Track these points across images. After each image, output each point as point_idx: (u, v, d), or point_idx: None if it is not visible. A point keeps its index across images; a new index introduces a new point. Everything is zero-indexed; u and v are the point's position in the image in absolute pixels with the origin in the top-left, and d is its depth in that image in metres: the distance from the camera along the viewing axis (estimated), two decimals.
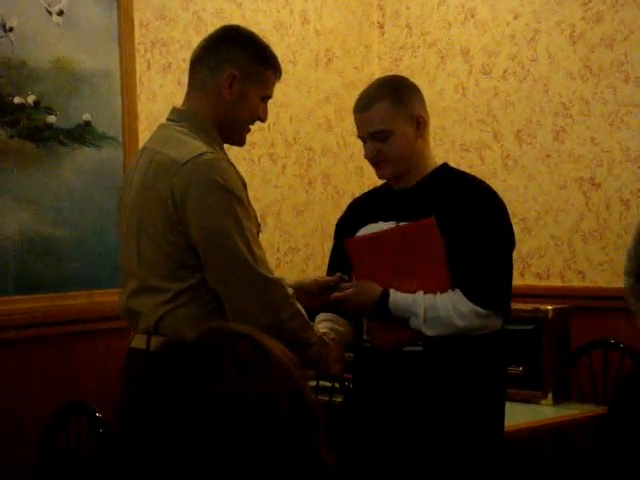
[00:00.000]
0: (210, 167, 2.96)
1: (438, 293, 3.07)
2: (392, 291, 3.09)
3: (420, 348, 3.13)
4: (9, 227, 4.39)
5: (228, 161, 3.03)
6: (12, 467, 3.93)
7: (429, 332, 3.06)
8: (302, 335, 2.99)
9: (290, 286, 3.12)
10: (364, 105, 3.20)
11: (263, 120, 3.16)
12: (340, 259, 3.31)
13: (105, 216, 4.56)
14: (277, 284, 2.98)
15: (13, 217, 4.40)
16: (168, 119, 3.19)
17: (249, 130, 3.17)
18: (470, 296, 3.07)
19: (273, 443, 1.29)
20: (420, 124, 3.16)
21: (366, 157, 3.23)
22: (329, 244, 3.54)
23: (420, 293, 3.07)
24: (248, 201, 3.04)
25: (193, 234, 2.93)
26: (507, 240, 3.19)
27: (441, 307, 3.05)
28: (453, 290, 3.07)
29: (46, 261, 4.48)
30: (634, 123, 4.92)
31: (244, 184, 3.04)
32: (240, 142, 3.22)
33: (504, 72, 5.35)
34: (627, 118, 4.95)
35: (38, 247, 4.47)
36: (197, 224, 2.94)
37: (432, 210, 3.13)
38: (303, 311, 3.02)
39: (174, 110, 3.18)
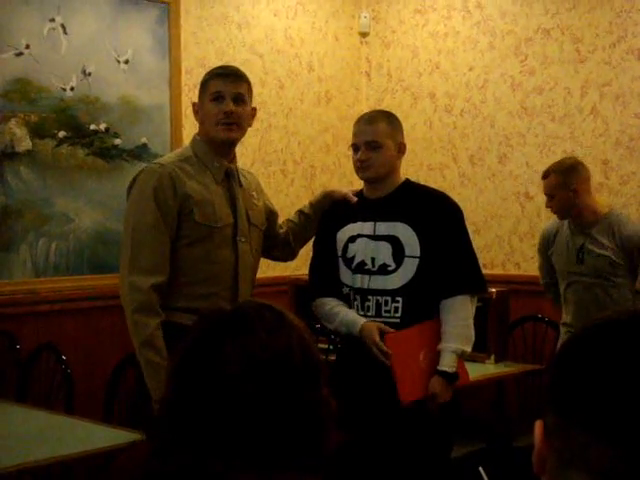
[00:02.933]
0: (139, 174, 2.91)
1: (444, 333, 3.05)
2: (443, 367, 3.04)
3: (398, 320, 3.07)
4: (84, 223, 4.43)
5: (166, 171, 2.86)
6: (86, 401, 3.97)
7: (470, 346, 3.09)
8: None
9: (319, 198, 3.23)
10: (368, 120, 3.16)
11: (227, 111, 2.92)
12: (324, 245, 3.28)
13: None
14: (133, 287, 2.82)
15: (88, 216, 4.44)
16: None
17: (224, 128, 2.94)
18: (463, 288, 3.07)
19: (291, 386, 1.29)
20: (401, 149, 3.17)
21: (357, 160, 3.14)
22: None
23: (446, 345, 3.04)
24: (179, 203, 2.86)
25: None
26: (468, 236, 3.18)
27: (459, 331, 3.05)
28: (439, 316, 3.07)
29: (111, 249, 4.49)
30: (558, 151, 4.91)
31: (179, 190, 2.86)
32: (224, 141, 2.97)
33: (461, 111, 5.34)
34: (553, 147, 4.95)
35: (105, 238, 4.50)
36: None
37: (400, 214, 3.11)
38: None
39: None
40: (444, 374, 3.04)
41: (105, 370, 4.03)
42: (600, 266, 3.79)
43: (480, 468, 1.98)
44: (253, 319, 1.33)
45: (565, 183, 3.81)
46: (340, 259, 3.21)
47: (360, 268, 3.15)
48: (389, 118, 3.20)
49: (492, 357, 4.47)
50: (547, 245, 4.07)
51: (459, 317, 3.06)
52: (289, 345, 1.32)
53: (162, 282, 2.85)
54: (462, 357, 3.09)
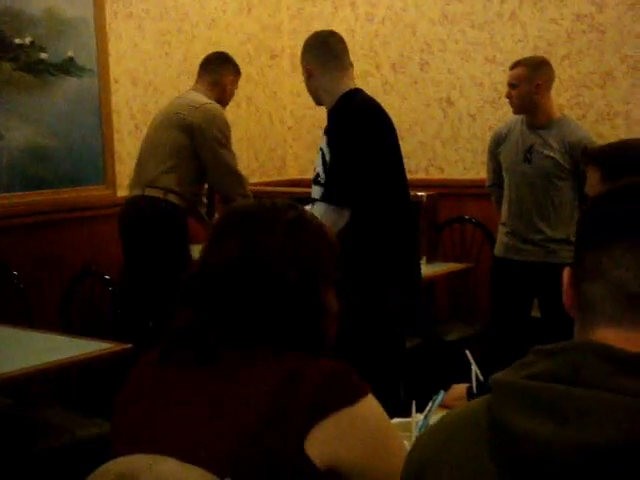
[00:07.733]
0: (214, 112, 4.05)
1: None
2: None
3: None
4: (16, 139, 4.39)
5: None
6: (41, 311, 3.98)
7: None
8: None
9: None
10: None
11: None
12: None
13: (85, 129, 4.64)
14: (243, 178, 4.12)
15: (19, 132, 4.40)
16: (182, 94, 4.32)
17: None
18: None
19: (292, 278, 1.42)
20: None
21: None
22: None
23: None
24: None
25: (203, 154, 3.99)
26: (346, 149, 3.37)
27: None
28: None
29: (44, 165, 4.50)
30: (478, 58, 5.05)
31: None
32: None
33: (382, 19, 5.40)
34: (473, 54, 5.08)
35: (38, 154, 4.48)
36: (207, 148, 3.98)
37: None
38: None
39: (188, 91, 4.29)
40: None
41: (57, 284, 4.04)
42: (546, 167, 3.93)
43: (467, 351, 2.17)
44: (277, 216, 1.48)
45: (530, 77, 3.96)
46: None
47: None
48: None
49: (424, 258, 4.59)
50: (497, 143, 4.16)
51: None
52: (312, 246, 1.46)
53: None
54: None
